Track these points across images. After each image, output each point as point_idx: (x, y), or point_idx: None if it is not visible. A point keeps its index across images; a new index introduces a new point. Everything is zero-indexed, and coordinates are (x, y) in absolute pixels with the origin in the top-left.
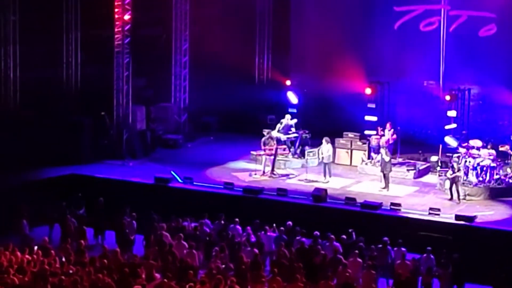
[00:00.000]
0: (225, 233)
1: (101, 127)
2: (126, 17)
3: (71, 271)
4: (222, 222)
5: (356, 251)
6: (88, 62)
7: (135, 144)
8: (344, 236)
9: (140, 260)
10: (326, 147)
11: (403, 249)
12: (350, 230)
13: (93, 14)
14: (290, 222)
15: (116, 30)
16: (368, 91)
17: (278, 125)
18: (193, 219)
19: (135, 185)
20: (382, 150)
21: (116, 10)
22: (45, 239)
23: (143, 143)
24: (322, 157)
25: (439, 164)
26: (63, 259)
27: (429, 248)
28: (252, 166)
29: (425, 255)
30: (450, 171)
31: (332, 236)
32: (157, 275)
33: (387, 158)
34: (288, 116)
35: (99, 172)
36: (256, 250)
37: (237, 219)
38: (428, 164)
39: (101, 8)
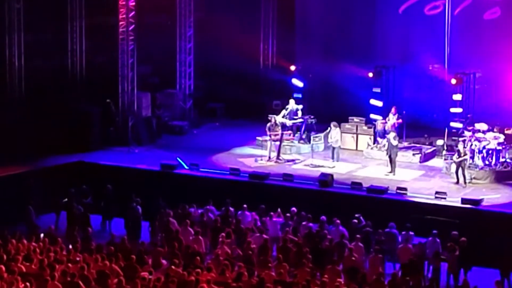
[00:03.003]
0: (231, 219)
1: (107, 114)
2: (131, 3)
3: (78, 259)
4: (229, 208)
5: (358, 236)
6: (93, 50)
7: (140, 131)
8: (355, 221)
9: (147, 247)
10: (334, 131)
11: (411, 233)
12: (357, 215)
13: (98, 1)
14: (294, 209)
15: (120, 17)
16: (371, 75)
17: (284, 111)
18: (199, 205)
19: (141, 171)
20: (391, 134)
21: None
22: (51, 227)
23: (148, 130)
24: (331, 141)
25: (445, 147)
26: (70, 247)
27: (434, 231)
28: (257, 151)
29: (430, 238)
30: (456, 155)
31: (338, 220)
32: (164, 262)
33: (394, 142)
34: (292, 101)
35: (105, 159)
36: (265, 236)
37: (245, 205)
38: (434, 148)
39: None
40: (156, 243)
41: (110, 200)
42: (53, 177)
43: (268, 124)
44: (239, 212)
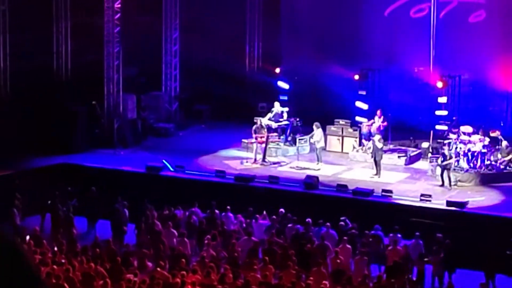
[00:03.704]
0: (217, 221)
1: (92, 116)
2: (116, 5)
3: (63, 261)
4: (215, 210)
5: (345, 238)
6: (78, 51)
7: (126, 133)
8: (342, 223)
9: (132, 249)
10: (317, 132)
11: (398, 235)
12: (342, 218)
13: (83, 2)
14: (282, 210)
15: (105, 19)
16: (357, 77)
17: (269, 114)
18: (184, 207)
19: (126, 174)
20: (376, 137)
21: None
22: (36, 228)
23: (134, 132)
24: (314, 142)
25: (430, 150)
26: (55, 249)
27: (417, 233)
28: (243, 154)
29: (413, 240)
30: (441, 158)
31: (328, 223)
32: (149, 264)
33: (379, 145)
34: (278, 104)
35: (90, 161)
36: (254, 239)
37: (228, 207)
38: (419, 151)
39: None
40: (142, 245)
41: (95, 202)
42: (38, 179)
43: (254, 127)
44: (223, 214)
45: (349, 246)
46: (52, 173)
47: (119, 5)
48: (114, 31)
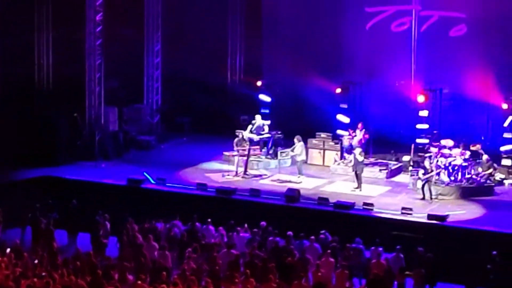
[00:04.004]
0: (198, 234)
1: (74, 128)
2: (98, 17)
3: (43, 273)
4: (196, 223)
5: (329, 251)
6: (60, 63)
7: (107, 145)
8: (322, 237)
9: (113, 261)
10: (297, 145)
11: (379, 248)
12: (323, 231)
13: (65, 14)
14: (263, 223)
15: (87, 31)
16: (338, 90)
17: (250, 126)
18: (165, 220)
19: (108, 186)
20: (357, 150)
21: (87, 11)
22: (17, 241)
23: (115, 144)
24: (294, 155)
25: (411, 163)
26: (36, 262)
27: (398, 247)
28: (225, 166)
29: (394, 254)
30: (422, 171)
31: (313, 237)
32: (130, 277)
33: (360, 158)
34: (259, 117)
35: (72, 174)
36: (234, 251)
37: (209, 220)
38: (400, 164)
39: (73, 9)
40: (123, 258)
41: (75, 215)
42: (19, 191)
43: (236, 139)
44: (203, 226)
45: (332, 259)
46: (33, 186)
47: (101, 18)
48: (96, 43)
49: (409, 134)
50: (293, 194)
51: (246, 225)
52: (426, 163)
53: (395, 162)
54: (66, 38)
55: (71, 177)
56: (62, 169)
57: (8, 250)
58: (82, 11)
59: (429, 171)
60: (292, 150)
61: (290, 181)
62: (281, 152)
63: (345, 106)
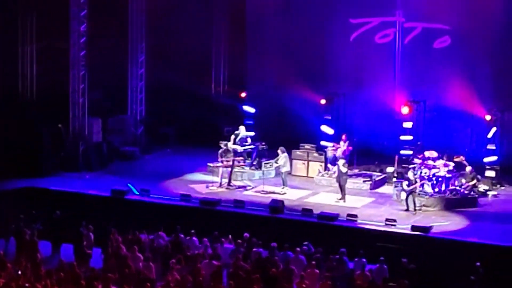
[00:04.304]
0: (181, 245)
1: (58, 139)
2: (82, 29)
3: (27, 285)
4: (179, 234)
5: (313, 262)
6: (44, 74)
7: (91, 156)
8: (305, 248)
9: (97, 273)
10: (281, 157)
11: (363, 260)
12: (305, 242)
13: (49, 26)
14: (246, 234)
15: (71, 42)
16: (322, 101)
17: (233, 137)
18: (149, 231)
19: (92, 197)
20: (340, 161)
21: (71, 22)
22: (0, 252)
23: (99, 156)
24: (278, 166)
25: (395, 175)
26: (19, 273)
27: (382, 258)
28: (209, 178)
29: (378, 265)
30: (406, 183)
31: (298, 248)
32: None
33: (344, 169)
34: (243, 128)
35: (56, 185)
36: (215, 262)
37: (193, 231)
38: (384, 175)
39: (57, 20)
40: (107, 269)
41: (59, 226)
42: (2, 202)
43: (220, 150)
44: (187, 238)
45: (317, 270)
46: (17, 197)
47: (85, 29)
48: (79, 54)
49: (393, 146)
50: (277, 205)
51: (230, 236)
52: (410, 174)
53: (379, 173)
54: (50, 49)
55: (55, 188)
56: (46, 180)
57: None
58: (66, 22)
59: (413, 182)
60: (276, 162)
61: (274, 192)
62: (265, 163)
63: (329, 117)
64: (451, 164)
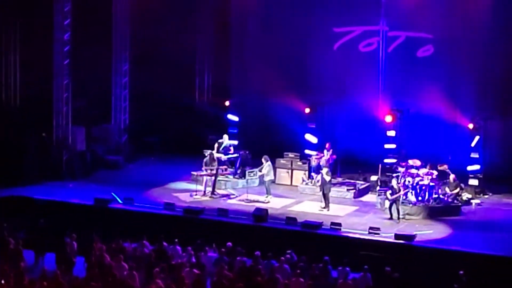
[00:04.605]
0: (165, 254)
1: (42, 148)
2: (66, 37)
3: None
4: (163, 243)
5: (298, 271)
6: (28, 83)
7: (75, 165)
8: (288, 256)
9: (80, 282)
10: (265, 165)
11: (347, 268)
12: (289, 251)
13: (33, 34)
14: (229, 243)
15: (55, 51)
16: (307, 110)
17: (216, 145)
18: (133, 240)
19: (75, 206)
20: (324, 170)
21: (55, 30)
22: None
23: (83, 164)
24: (261, 175)
25: (379, 183)
26: (2, 282)
27: (365, 266)
28: (193, 186)
29: (362, 274)
30: (389, 191)
31: (283, 257)
32: None
33: (327, 178)
34: (226, 137)
35: (39, 194)
36: (196, 271)
37: (176, 240)
38: (368, 184)
39: (40, 28)
40: (90, 278)
41: (42, 235)
42: None
43: (205, 159)
44: (171, 246)
45: (302, 279)
46: (0, 205)
47: (69, 37)
48: (63, 63)
49: (377, 154)
50: (261, 214)
51: (214, 245)
52: (394, 182)
53: (363, 182)
54: (34, 58)
55: (39, 196)
56: (29, 189)
57: None
58: (49, 31)
59: (397, 191)
60: (260, 170)
61: (258, 201)
62: (249, 172)
63: (313, 126)
64: (435, 173)
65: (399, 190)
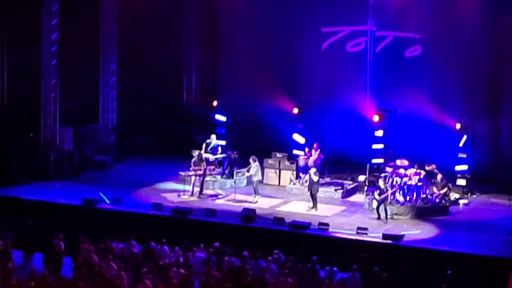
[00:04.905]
0: (153, 254)
1: (29, 148)
2: (53, 37)
3: None
4: (151, 243)
5: (287, 271)
6: (16, 83)
7: (62, 165)
8: (276, 256)
9: (68, 282)
10: (253, 166)
11: (334, 268)
12: (276, 251)
13: (20, 35)
14: (217, 244)
15: (43, 51)
16: (295, 111)
17: (204, 146)
18: (121, 240)
19: (63, 206)
20: (312, 170)
21: (42, 30)
22: None
23: (71, 164)
24: (249, 175)
25: (367, 183)
26: None
27: (354, 266)
28: (180, 186)
29: (350, 273)
30: (377, 192)
31: (270, 257)
32: None
33: (315, 178)
34: (214, 137)
35: (27, 194)
36: (182, 271)
37: (164, 240)
38: (355, 184)
39: (28, 28)
40: (77, 278)
41: (31, 235)
42: None
43: (193, 159)
44: (158, 246)
45: (290, 279)
46: None
47: (56, 37)
48: (51, 63)
49: (365, 154)
50: (248, 214)
51: (202, 244)
52: (381, 182)
53: (351, 182)
54: (21, 58)
55: (26, 197)
56: (17, 189)
57: None
58: (37, 31)
59: (384, 191)
60: (248, 171)
61: (245, 201)
62: (237, 172)
63: (301, 126)
64: (422, 173)
65: (387, 190)
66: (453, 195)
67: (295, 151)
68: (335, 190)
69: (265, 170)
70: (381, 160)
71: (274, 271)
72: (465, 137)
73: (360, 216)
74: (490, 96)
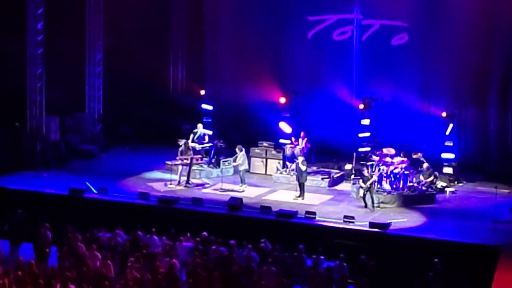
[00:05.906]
0: (140, 243)
1: (15, 138)
2: (39, 27)
3: None
4: (138, 232)
5: (270, 260)
6: (1, 72)
7: (49, 155)
8: (262, 245)
9: (55, 271)
10: (239, 155)
11: (321, 257)
12: (263, 240)
13: (6, 24)
14: (205, 233)
15: (28, 40)
16: (282, 100)
17: (192, 135)
18: (108, 229)
19: (49, 196)
20: (299, 159)
21: (28, 20)
22: None
23: (57, 154)
24: (236, 164)
25: (353, 172)
26: None
27: (341, 255)
28: (167, 176)
29: (337, 262)
30: (361, 180)
31: (250, 245)
32: (72, 287)
33: (303, 167)
34: (200, 126)
35: (13, 184)
36: (174, 260)
37: (153, 229)
38: (342, 173)
39: (14, 18)
40: (64, 267)
41: (19, 225)
42: None
43: (180, 148)
44: (147, 236)
45: (273, 268)
46: None
47: (42, 27)
48: (37, 52)
49: (351, 143)
50: (235, 203)
51: (188, 234)
52: (365, 171)
53: (337, 171)
54: (7, 47)
55: (13, 186)
56: (3, 179)
57: None
58: (23, 20)
59: (368, 178)
60: (234, 160)
61: (232, 190)
62: (223, 161)
63: (287, 115)
64: (409, 161)
65: (371, 177)
66: (440, 183)
67: (281, 140)
68: (322, 178)
69: (252, 159)
70: (367, 149)
71: (255, 259)
72: (451, 125)
73: (347, 204)
74: (477, 84)
